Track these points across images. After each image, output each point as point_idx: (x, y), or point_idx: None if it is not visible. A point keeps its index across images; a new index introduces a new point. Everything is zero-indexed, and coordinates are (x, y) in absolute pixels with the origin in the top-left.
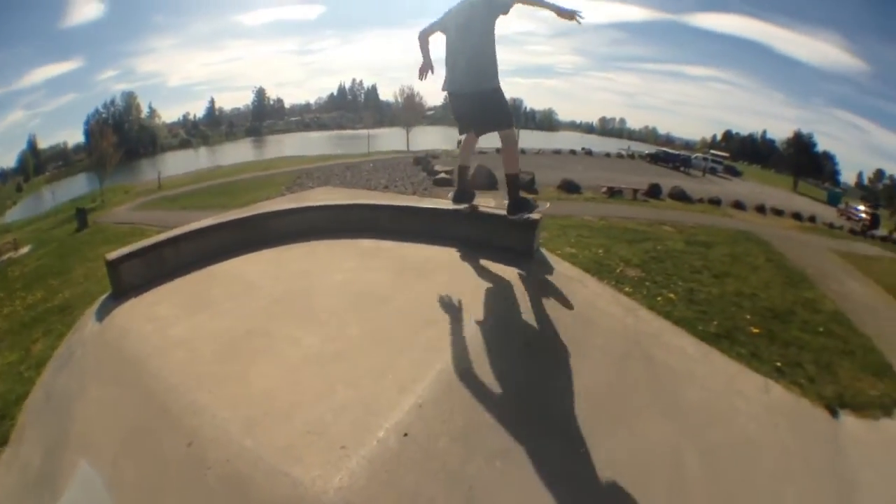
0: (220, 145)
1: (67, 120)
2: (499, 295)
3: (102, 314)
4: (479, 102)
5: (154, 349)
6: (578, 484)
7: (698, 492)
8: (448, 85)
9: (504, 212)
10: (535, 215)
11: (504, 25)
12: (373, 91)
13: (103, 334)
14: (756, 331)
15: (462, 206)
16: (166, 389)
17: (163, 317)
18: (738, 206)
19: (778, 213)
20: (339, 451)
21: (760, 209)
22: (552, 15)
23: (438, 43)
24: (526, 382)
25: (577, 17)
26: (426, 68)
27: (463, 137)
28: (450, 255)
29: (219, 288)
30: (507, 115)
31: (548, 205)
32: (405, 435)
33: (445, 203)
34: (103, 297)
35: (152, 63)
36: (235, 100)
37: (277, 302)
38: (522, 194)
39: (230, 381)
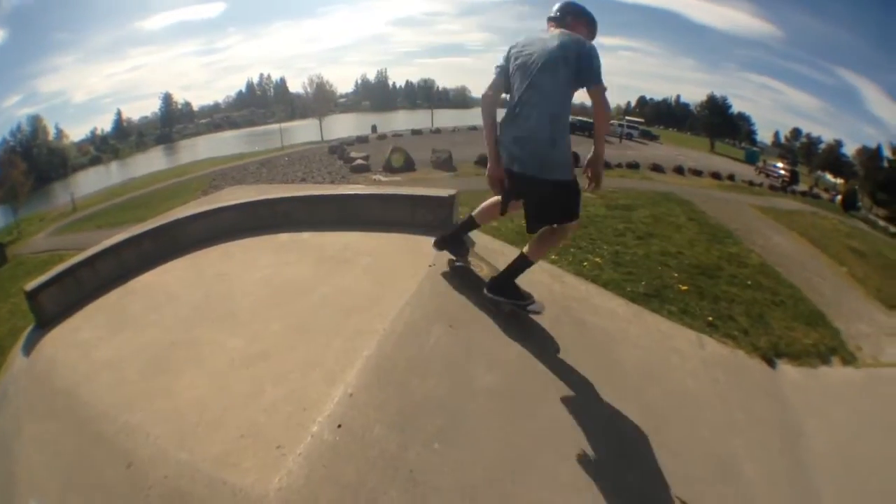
0: (131, 157)
1: None
2: (421, 274)
3: (29, 348)
4: (548, 193)
5: (82, 376)
6: (520, 456)
7: (643, 451)
8: (508, 162)
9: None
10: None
11: (411, 6)
12: (281, 84)
13: (32, 368)
14: (684, 288)
15: (443, 251)
16: (99, 415)
17: (87, 341)
18: (657, 168)
19: (697, 173)
20: (275, 451)
21: (679, 170)
22: None
23: None
24: (456, 360)
25: (595, 186)
26: (498, 176)
27: (493, 199)
28: (369, 239)
29: (139, 302)
30: (577, 208)
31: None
32: (339, 426)
33: (360, 188)
34: (28, 330)
35: (56, 82)
36: (143, 108)
37: (198, 309)
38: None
39: (159, 396)
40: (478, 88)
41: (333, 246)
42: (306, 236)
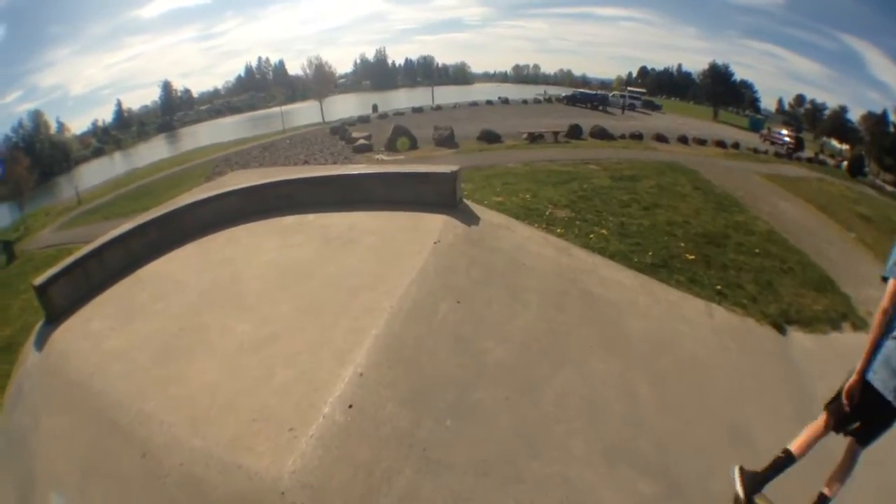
0: (133, 147)
1: None
2: (426, 251)
3: (41, 342)
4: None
5: (94, 367)
6: (532, 430)
7: (653, 421)
8: (885, 385)
9: None
10: None
11: None
12: (280, 67)
13: (45, 363)
14: (691, 257)
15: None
16: (113, 405)
17: (98, 332)
18: (661, 138)
19: (701, 142)
20: (287, 433)
21: (683, 140)
22: None
23: None
24: (464, 335)
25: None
26: (856, 390)
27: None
28: (374, 218)
29: (147, 291)
30: None
31: None
32: (350, 406)
33: (363, 168)
34: (38, 324)
35: (54, 76)
36: (143, 98)
37: (206, 294)
38: None
39: (171, 383)
40: (479, 64)
41: (338, 226)
42: (311, 218)
